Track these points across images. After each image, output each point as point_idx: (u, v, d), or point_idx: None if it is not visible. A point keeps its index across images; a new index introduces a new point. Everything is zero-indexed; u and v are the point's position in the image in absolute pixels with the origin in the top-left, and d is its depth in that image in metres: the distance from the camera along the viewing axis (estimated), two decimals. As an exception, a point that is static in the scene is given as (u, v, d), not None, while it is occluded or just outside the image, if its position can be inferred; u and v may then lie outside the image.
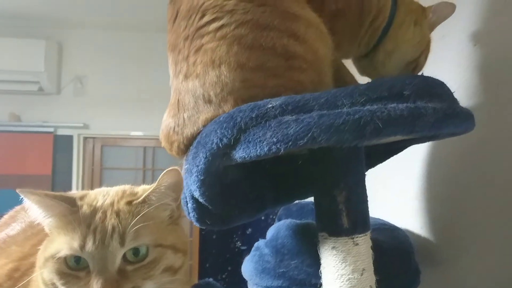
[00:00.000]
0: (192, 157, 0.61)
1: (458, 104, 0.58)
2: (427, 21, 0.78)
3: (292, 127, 0.50)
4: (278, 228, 0.96)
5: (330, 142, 0.49)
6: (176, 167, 0.55)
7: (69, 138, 3.20)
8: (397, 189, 1.27)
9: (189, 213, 0.71)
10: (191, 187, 0.65)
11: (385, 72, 0.78)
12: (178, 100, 0.64)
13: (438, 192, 1.06)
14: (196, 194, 0.65)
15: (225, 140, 0.55)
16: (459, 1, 0.96)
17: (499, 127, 0.82)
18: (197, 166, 0.60)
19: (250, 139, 0.53)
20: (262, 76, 0.59)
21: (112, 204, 0.56)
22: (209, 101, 0.60)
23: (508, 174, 0.80)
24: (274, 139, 0.51)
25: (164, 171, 0.56)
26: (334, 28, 0.70)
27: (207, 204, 0.67)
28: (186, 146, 0.64)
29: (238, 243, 3.50)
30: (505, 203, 0.80)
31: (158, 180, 0.56)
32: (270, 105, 0.54)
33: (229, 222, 0.75)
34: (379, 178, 1.25)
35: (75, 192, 0.61)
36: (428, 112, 0.50)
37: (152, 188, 0.57)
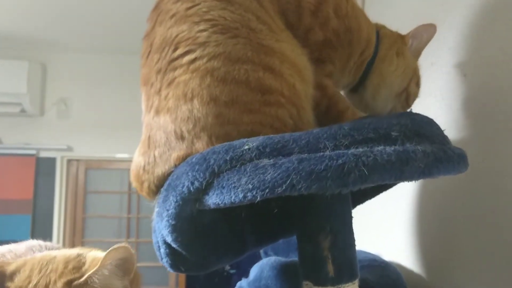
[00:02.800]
0: (162, 200, 0.56)
1: (449, 144, 0.54)
2: (407, 48, 0.76)
3: (270, 173, 0.46)
4: (262, 268, 0.90)
5: (311, 190, 0.45)
6: (124, 244, 0.49)
7: (52, 160, 3.11)
8: (388, 222, 1.22)
9: (161, 259, 0.65)
10: (163, 232, 0.59)
11: (376, 107, 0.76)
12: (149, 136, 0.59)
13: (430, 227, 1.02)
14: (168, 240, 0.60)
15: (196, 183, 0.50)
16: (447, 26, 0.94)
17: (490, 161, 0.79)
18: (168, 210, 0.55)
19: (224, 184, 0.49)
20: (237, 111, 0.55)
21: (47, 286, 0.48)
22: (181, 138, 0.56)
23: (500, 211, 0.76)
24: (250, 186, 0.46)
25: (111, 248, 0.49)
26: (323, 56, 0.67)
27: (180, 250, 0.61)
28: (157, 187, 0.59)
29: (227, 267, 3.41)
30: (497, 241, 0.76)
31: (103, 257, 0.49)
32: (246, 147, 0.49)
33: (206, 267, 0.69)
34: (369, 210, 1.21)
35: (9, 261, 0.53)
36: (418, 157, 0.46)
37: (96, 267, 0.49)
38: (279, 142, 0.49)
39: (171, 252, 0.62)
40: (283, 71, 0.57)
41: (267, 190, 0.45)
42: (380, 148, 0.47)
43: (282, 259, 0.93)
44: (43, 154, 3.09)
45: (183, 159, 0.55)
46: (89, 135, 3.15)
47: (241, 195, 0.47)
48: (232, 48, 0.55)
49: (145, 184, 0.60)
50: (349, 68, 0.71)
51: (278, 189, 0.45)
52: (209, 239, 0.64)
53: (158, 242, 0.63)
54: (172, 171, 0.56)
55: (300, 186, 0.44)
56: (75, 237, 3.10)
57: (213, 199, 0.50)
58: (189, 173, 0.51)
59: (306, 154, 0.47)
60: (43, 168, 3.09)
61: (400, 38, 0.76)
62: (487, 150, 0.80)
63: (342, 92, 0.80)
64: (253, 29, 0.57)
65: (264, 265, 0.90)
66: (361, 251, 1.12)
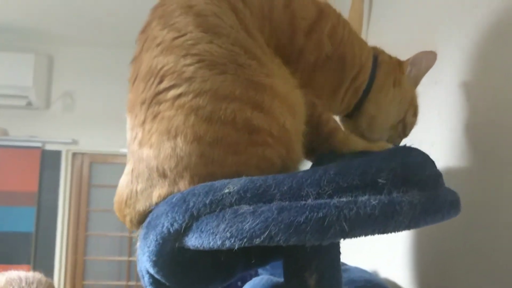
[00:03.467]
0: (143, 236, 0.55)
1: (442, 188, 0.52)
2: (405, 77, 0.73)
3: (248, 222, 0.44)
4: (254, 287, 0.89)
5: (290, 243, 0.43)
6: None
7: (57, 153, 3.13)
8: (386, 239, 1.20)
9: (146, 286, 0.64)
10: (145, 264, 0.58)
11: (372, 137, 0.73)
12: (133, 169, 0.58)
13: (428, 246, 1.00)
14: (151, 271, 0.59)
15: (176, 225, 0.49)
16: (453, 45, 0.90)
17: (490, 189, 0.76)
18: (148, 247, 0.54)
19: (202, 229, 0.47)
20: (221, 152, 0.53)
21: None
22: (163, 176, 0.54)
23: (498, 240, 0.73)
24: (228, 234, 0.45)
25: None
26: (313, 81, 0.65)
27: (164, 281, 0.60)
28: (139, 222, 0.58)
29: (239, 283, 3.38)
30: (495, 270, 0.74)
31: None
32: (227, 190, 0.48)
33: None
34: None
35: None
36: (404, 210, 0.44)
37: None
38: (261, 186, 0.47)
39: (155, 282, 0.62)
40: (273, 109, 0.54)
41: (245, 240, 0.44)
42: (365, 198, 0.45)
43: (274, 279, 0.92)
44: (49, 147, 3.11)
45: (165, 197, 0.54)
46: (94, 129, 3.16)
47: (219, 242, 0.46)
48: (219, 85, 0.53)
49: (127, 218, 0.59)
50: (341, 95, 0.69)
51: (256, 240, 0.43)
52: (193, 271, 0.63)
53: (141, 271, 0.62)
54: (152, 209, 0.55)
55: (278, 238, 0.43)
56: (78, 230, 3.14)
57: (192, 242, 0.49)
58: (169, 214, 0.50)
59: (287, 202, 0.45)
60: (48, 161, 3.11)
61: (398, 66, 0.73)
62: (487, 179, 0.77)
63: (337, 118, 0.78)
64: (241, 64, 0.55)
65: (255, 286, 0.89)
66: (357, 269, 1.10)
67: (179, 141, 0.52)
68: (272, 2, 0.63)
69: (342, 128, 0.70)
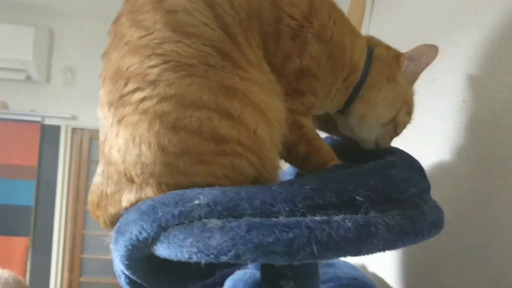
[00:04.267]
0: (114, 241, 0.53)
1: (425, 206, 0.49)
2: (401, 72, 0.67)
3: (216, 238, 0.42)
4: (236, 283, 0.88)
5: (257, 262, 0.41)
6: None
7: (57, 128, 3.12)
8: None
9: (123, 285, 0.63)
10: (119, 266, 0.57)
11: (361, 135, 0.69)
12: (103, 171, 0.55)
13: (416, 245, 0.98)
14: (126, 273, 0.58)
15: (144, 234, 0.47)
16: (453, 44, 0.86)
17: (482, 191, 0.74)
18: (119, 252, 0.52)
19: (170, 241, 0.45)
20: (187, 162, 0.50)
21: None
22: (131, 181, 0.52)
23: (489, 247, 0.72)
24: (195, 249, 0.43)
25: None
26: (302, 87, 0.61)
27: (140, 282, 0.59)
28: (112, 223, 0.56)
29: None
30: (482, 271, 0.73)
31: None
32: (197, 202, 0.45)
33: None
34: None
35: None
36: (380, 232, 0.41)
37: None
38: (232, 200, 0.45)
39: (131, 282, 0.60)
40: (244, 116, 0.51)
41: (211, 256, 0.42)
42: (339, 218, 0.42)
43: (258, 274, 0.91)
44: (48, 122, 3.10)
45: (134, 203, 0.52)
46: (94, 105, 3.09)
47: (186, 256, 0.44)
48: (185, 89, 0.49)
49: (100, 220, 0.57)
50: (332, 96, 0.65)
51: (223, 257, 0.42)
52: (169, 272, 0.62)
53: (117, 271, 0.61)
54: (123, 213, 0.53)
55: (245, 257, 0.41)
56: (77, 204, 3.16)
57: (160, 252, 0.47)
58: (137, 222, 0.48)
59: (258, 218, 0.43)
60: (48, 136, 3.10)
61: (394, 61, 0.67)
62: (480, 180, 0.75)
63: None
64: (213, 65, 0.51)
65: (238, 280, 0.88)
66: (344, 265, 1.09)
67: (144, 149, 0.49)
68: None
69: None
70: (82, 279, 3.16)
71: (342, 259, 1.17)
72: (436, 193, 0.87)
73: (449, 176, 0.85)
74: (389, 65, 0.68)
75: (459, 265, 0.79)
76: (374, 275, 1.15)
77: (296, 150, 0.60)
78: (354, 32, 0.67)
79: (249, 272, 0.93)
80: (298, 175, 0.63)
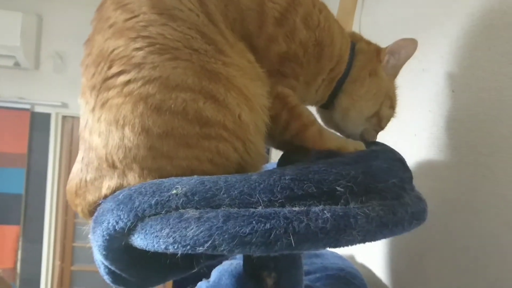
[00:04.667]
0: (92, 231, 0.52)
1: (407, 196, 0.49)
2: (382, 66, 0.68)
3: (192, 229, 0.41)
4: (221, 273, 0.88)
5: (234, 253, 0.40)
6: None
7: (47, 116, 3.08)
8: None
9: (103, 275, 0.63)
10: (99, 256, 0.56)
11: (346, 129, 0.69)
12: (83, 158, 0.54)
13: (405, 237, 0.99)
14: (105, 263, 0.57)
15: (121, 224, 0.46)
16: (443, 33, 0.85)
17: (469, 182, 0.74)
18: (97, 242, 0.51)
19: (147, 231, 0.44)
20: (171, 145, 0.49)
21: None
22: (113, 166, 0.51)
23: (473, 240, 0.72)
24: (171, 239, 0.42)
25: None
26: (285, 71, 0.60)
27: (119, 272, 0.59)
28: (90, 212, 0.55)
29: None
30: (464, 265, 0.73)
31: None
32: (174, 192, 0.44)
33: (152, 285, 0.66)
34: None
35: None
36: (359, 223, 0.41)
37: None
38: (210, 189, 0.44)
39: (110, 272, 0.60)
40: (229, 101, 0.50)
41: (188, 247, 0.41)
42: (318, 209, 0.41)
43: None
44: (38, 109, 3.06)
45: (114, 190, 0.51)
46: (85, 93, 3.08)
47: (162, 246, 0.43)
48: (170, 72, 0.48)
49: (79, 208, 0.56)
50: (317, 86, 0.64)
51: (200, 248, 0.41)
52: (149, 264, 0.61)
53: (97, 261, 0.60)
54: (102, 201, 0.52)
55: (222, 248, 0.40)
56: (68, 193, 3.14)
57: (138, 242, 0.46)
58: (114, 211, 0.47)
59: (235, 209, 0.42)
60: (38, 123, 3.06)
61: (376, 54, 0.68)
62: (467, 171, 0.75)
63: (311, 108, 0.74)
64: (197, 49, 0.50)
65: (223, 271, 0.87)
66: (332, 255, 1.10)
67: (127, 131, 0.48)
68: None
69: (318, 121, 0.66)
70: (73, 268, 3.16)
71: (330, 249, 1.17)
72: (423, 183, 0.87)
73: (436, 167, 0.85)
74: (371, 60, 0.68)
75: (445, 255, 0.80)
76: (362, 265, 1.16)
77: (277, 121, 0.59)
78: (339, 24, 0.67)
79: (235, 263, 0.92)
80: (280, 164, 0.62)
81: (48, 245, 3.09)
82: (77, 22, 3.07)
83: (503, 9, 0.69)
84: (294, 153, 0.61)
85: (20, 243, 3.01)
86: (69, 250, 3.17)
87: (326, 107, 0.69)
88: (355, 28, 1.36)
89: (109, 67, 0.50)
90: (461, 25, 0.80)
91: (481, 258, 0.70)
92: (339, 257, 1.08)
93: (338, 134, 0.70)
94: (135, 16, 0.50)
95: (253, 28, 0.57)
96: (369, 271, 1.11)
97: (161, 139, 0.48)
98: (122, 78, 0.49)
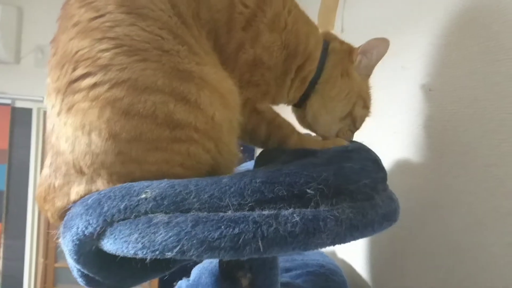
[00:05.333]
0: (62, 235, 0.51)
1: (379, 197, 0.49)
2: (354, 67, 0.68)
3: (161, 234, 0.41)
4: (201, 272, 0.87)
5: (203, 258, 0.40)
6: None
7: (28, 111, 3.02)
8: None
9: (77, 278, 0.62)
10: (70, 260, 0.55)
11: (319, 130, 0.69)
12: (51, 163, 0.53)
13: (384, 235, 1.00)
14: (78, 267, 0.56)
15: (90, 229, 0.46)
16: (421, 31, 0.85)
17: (446, 180, 0.75)
18: (67, 247, 0.50)
19: (116, 236, 0.44)
20: (140, 149, 0.48)
21: None
22: (81, 172, 0.50)
23: (448, 227, 0.73)
24: (140, 245, 0.42)
25: None
26: (256, 78, 0.59)
27: (92, 275, 0.58)
28: (61, 217, 0.54)
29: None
30: (441, 261, 0.74)
31: None
32: (144, 196, 0.44)
33: (127, 286, 0.66)
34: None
35: None
36: (328, 226, 0.41)
37: None
38: (180, 193, 0.43)
39: (84, 275, 0.59)
40: (201, 100, 0.49)
41: (157, 252, 0.41)
42: (288, 212, 0.41)
43: (224, 262, 0.91)
44: (19, 104, 3.00)
45: (83, 196, 0.50)
46: (67, 87, 3.03)
47: (132, 252, 0.43)
48: (139, 74, 0.47)
49: (49, 214, 0.55)
50: (287, 86, 0.64)
51: (168, 253, 0.40)
52: (122, 267, 0.60)
53: (70, 264, 0.60)
54: (70, 207, 0.51)
55: (191, 253, 0.40)
56: (52, 189, 3.10)
57: (107, 247, 0.46)
58: (83, 216, 0.46)
59: (205, 213, 0.42)
60: (19, 119, 3.00)
61: (348, 55, 0.68)
62: (444, 170, 0.76)
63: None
64: (167, 51, 0.49)
65: (203, 270, 0.87)
66: (313, 252, 1.10)
67: (94, 137, 0.47)
68: None
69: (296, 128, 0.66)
70: (57, 265, 3.12)
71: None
72: (402, 181, 0.88)
73: (414, 165, 0.86)
74: (343, 60, 0.68)
75: (422, 252, 0.81)
76: (343, 261, 1.17)
77: (257, 134, 0.60)
78: (310, 24, 0.67)
79: (215, 261, 0.92)
80: (257, 164, 0.62)
81: (31, 242, 3.05)
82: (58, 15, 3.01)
83: (479, 9, 0.70)
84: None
85: (2, 240, 2.96)
86: (53, 247, 3.13)
87: (299, 106, 0.69)
88: (337, 25, 1.37)
89: (74, 69, 0.48)
90: (438, 23, 0.80)
91: (455, 255, 0.71)
92: (320, 253, 1.09)
93: (314, 134, 0.70)
94: (100, 16, 0.48)
95: (223, 33, 0.56)
96: (349, 267, 1.12)
97: (130, 144, 0.47)
98: (88, 81, 0.47)
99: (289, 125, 0.63)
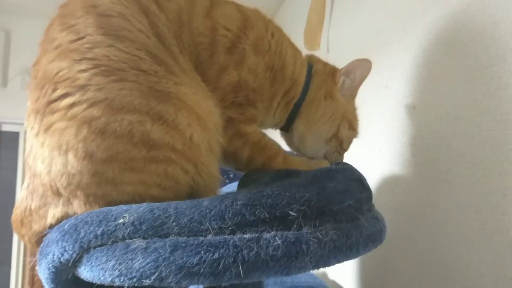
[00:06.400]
0: (38, 263, 0.49)
1: (362, 219, 0.48)
2: (337, 88, 0.68)
3: (139, 260, 0.39)
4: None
5: (182, 285, 0.39)
6: None
7: (15, 134, 2.98)
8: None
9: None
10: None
11: (306, 153, 0.69)
12: (28, 184, 0.52)
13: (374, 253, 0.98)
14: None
15: (66, 255, 0.44)
16: (404, 49, 0.87)
17: (430, 195, 0.74)
18: (43, 275, 0.48)
19: (92, 263, 0.42)
20: (116, 170, 0.47)
21: None
22: (57, 194, 0.48)
23: (435, 242, 0.72)
24: (117, 272, 0.40)
25: None
26: (240, 100, 0.59)
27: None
28: (38, 242, 0.52)
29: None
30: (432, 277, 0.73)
31: None
32: (122, 221, 0.43)
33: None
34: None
35: None
36: (311, 249, 0.40)
37: None
38: (159, 217, 0.42)
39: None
40: (178, 121, 0.49)
41: (134, 280, 0.39)
42: (270, 235, 0.40)
43: None
44: (6, 128, 2.96)
45: (60, 219, 0.49)
46: (55, 110, 3.01)
47: (109, 279, 0.41)
48: (116, 94, 0.47)
49: (26, 238, 0.53)
50: (273, 109, 0.64)
51: (146, 280, 0.39)
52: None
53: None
54: (47, 231, 0.49)
55: (169, 280, 0.38)
56: (38, 213, 3.03)
57: (84, 274, 0.44)
58: (59, 243, 0.44)
59: (184, 238, 0.41)
60: (6, 142, 2.96)
61: (331, 77, 0.68)
62: (428, 185, 0.76)
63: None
64: (145, 70, 0.49)
65: None
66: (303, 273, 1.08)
67: (70, 157, 0.46)
68: (193, 7, 0.56)
69: (282, 148, 0.66)
70: (44, 291, 3.03)
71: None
72: (387, 199, 0.88)
73: (400, 182, 0.86)
74: (326, 82, 0.68)
75: (413, 271, 0.80)
76: (334, 282, 1.15)
77: (239, 157, 0.59)
78: (294, 46, 0.67)
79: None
80: (240, 186, 0.61)
81: (16, 268, 2.95)
82: (47, 38, 3.02)
83: (457, 28, 0.71)
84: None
85: (-14, 267, 2.87)
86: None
87: (286, 130, 0.69)
88: (323, 45, 1.39)
89: (54, 90, 0.48)
90: (419, 42, 0.81)
91: (443, 273, 0.70)
92: (311, 275, 1.07)
93: (302, 157, 0.70)
94: (80, 38, 0.49)
95: (205, 58, 0.56)
96: (334, 284, 1.10)
97: (105, 164, 0.46)
98: (66, 101, 0.47)
99: (273, 145, 0.62)
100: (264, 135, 0.63)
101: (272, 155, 0.61)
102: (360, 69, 0.68)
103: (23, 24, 2.99)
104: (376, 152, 0.95)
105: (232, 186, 0.77)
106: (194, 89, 0.52)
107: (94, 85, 0.47)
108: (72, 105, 0.47)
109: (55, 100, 0.48)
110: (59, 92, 0.48)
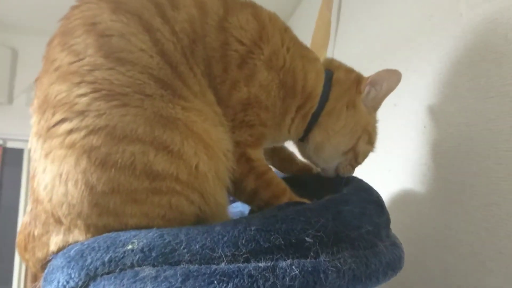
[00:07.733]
0: (42, 289, 0.48)
1: (381, 245, 0.46)
2: (361, 98, 0.64)
3: (148, 290, 0.38)
4: None
5: (194, 317, 0.37)
6: None
7: (19, 151, 2.98)
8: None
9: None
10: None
11: (319, 163, 0.66)
12: (31, 209, 0.50)
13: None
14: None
15: (71, 283, 0.42)
16: (412, 68, 0.86)
17: (444, 217, 0.72)
18: (48, 302, 0.46)
19: (99, 292, 0.40)
20: (118, 202, 0.45)
21: None
22: (59, 222, 0.47)
23: (448, 267, 0.70)
24: (125, 302, 0.38)
25: None
26: (250, 118, 0.57)
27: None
28: (42, 268, 0.51)
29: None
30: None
31: None
32: (130, 247, 0.41)
33: None
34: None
35: None
36: (329, 279, 0.38)
37: None
38: (169, 244, 0.41)
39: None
40: (184, 150, 0.47)
41: (143, 310, 0.37)
42: (286, 264, 0.39)
43: None
44: (10, 145, 2.96)
45: (61, 247, 0.47)
46: (60, 126, 3.01)
47: (116, 310, 0.39)
48: (118, 120, 0.44)
49: (30, 263, 0.52)
50: (287, 125, 0.62)
51: (156, 312, 0.37)
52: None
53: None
54: (51, 258, 0.48)
55: (180, 312, 0.36)
56: (40, 231, 3.00)
57: (90, 303, 0.42)
58: (64, 269, 0.43)
59: (196, 265, 0.39)
60: (10, 159, 2.96)
61: (354, 85, 0.64)
62: (439, 211, 0.74)
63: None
64: (150, 95, 0.47)
65: None
66: None
67: (70, 187, 0.44)
68: (205, 16, 0.53)
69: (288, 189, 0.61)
70: (44, 311, 2.97)
71: None
72: (399, 220, 0.85)
73: (410, 203, 0.84)
74: (349, 90, 0.64)
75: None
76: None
77: (243, 186, 0.56)
78: (308, 57, 0.63)
79: None
80: (251, 211, 0.59)
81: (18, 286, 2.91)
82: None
83: (468, 47, 0.70)
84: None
85: (-14, 287, 2.83)
86: (40, 292, 2.99)
87: (301, 140, 0.66)
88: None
89: (53, 114, 0.46)
90: (428, 61, 0.81)
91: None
92: None
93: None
94: (79, 60, 0.47)
95: (218, 72, 0.54)
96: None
97: (106, 196, 0.45)
98: (65, 127, 0.45)
99: (279, 183, 0.58)
100: (270, 169, 0.60)
101: (278, 194, 0.57)
102: (388, 80, 0.63)
103: (30, 41, 3.03)
104: (385, 173, 0.93)
105: (238, 206, 0.75)
106: (204, 116, 0.50)
107: (94, 110, 0.45)
108: (70, 131, 0.45)
109: (54, 125, 0.46)
110: (57, 117, 0.46)
